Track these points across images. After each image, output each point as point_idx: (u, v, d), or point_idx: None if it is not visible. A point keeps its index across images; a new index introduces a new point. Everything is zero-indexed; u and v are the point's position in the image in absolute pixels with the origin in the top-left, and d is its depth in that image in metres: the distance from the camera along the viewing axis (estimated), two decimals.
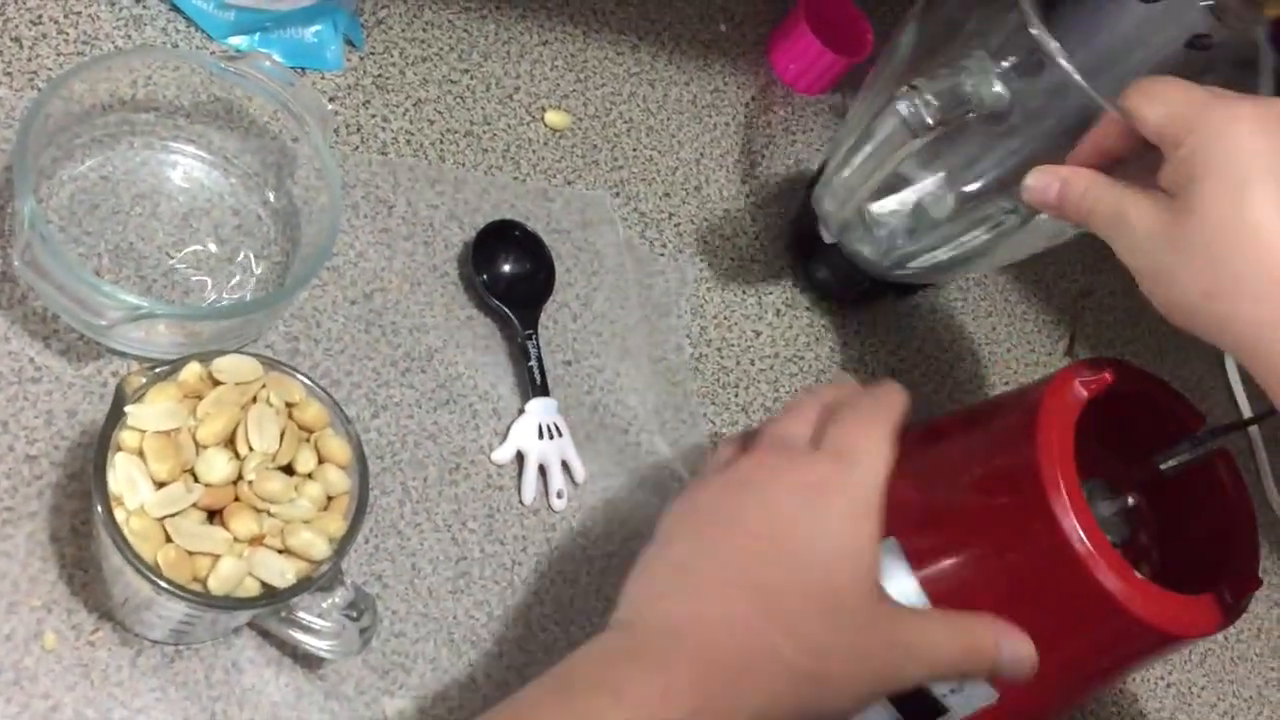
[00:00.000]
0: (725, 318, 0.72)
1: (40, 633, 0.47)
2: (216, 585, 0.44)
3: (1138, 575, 0.53)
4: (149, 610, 0.46)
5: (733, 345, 0.72)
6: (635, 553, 0.61)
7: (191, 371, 0.46)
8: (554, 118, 0.72)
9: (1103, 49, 0.62)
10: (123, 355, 0.53)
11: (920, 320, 0.80)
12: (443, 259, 0.64)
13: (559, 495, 0.61)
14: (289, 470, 0.47)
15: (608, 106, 0.75)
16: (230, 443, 0.46)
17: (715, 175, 0.77)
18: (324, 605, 0.48)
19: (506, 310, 0.63)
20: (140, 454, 0.44)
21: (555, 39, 0.75)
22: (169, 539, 0.43)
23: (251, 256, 0.59)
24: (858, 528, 0.42)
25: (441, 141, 0.67)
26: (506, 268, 0.64)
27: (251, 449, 0.46)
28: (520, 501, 0.60)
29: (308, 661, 0.52)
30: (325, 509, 0.47)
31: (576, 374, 0.65)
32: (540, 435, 0.61)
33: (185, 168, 0.59)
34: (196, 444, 0.45)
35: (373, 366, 0.60)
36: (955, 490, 0.58)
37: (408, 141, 0.66)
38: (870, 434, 0.44)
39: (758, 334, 0.73)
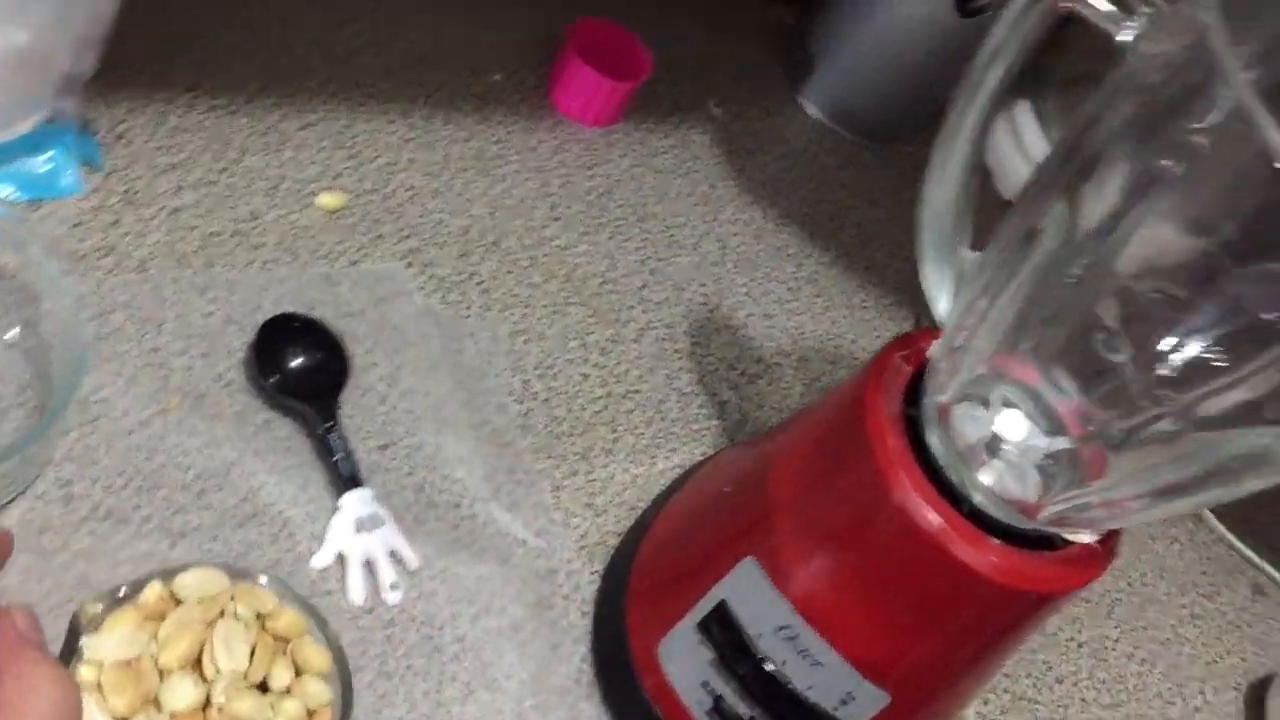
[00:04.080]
0: (548, 367, 0.69)
1: None
2: None
3: (994, 542, 0.50)
4: None
5: (560, 393, 0.68)
6: (489, 630, 0.58)
7: (152, 591, 0.43)
8: (327, 199, 0.68)
9: None
10: None
11: (757, 326, 0.78)
12: (225, 367, 0.60)
13: (392, 588, 0.57)
14: (264, 687, 0.43)
15: (385, 178, 0.72)
16: (196, 664, 0.42)
17: (512, 225, 0.74)
18: None
19: (302, 405, 0.59)
20: (99, 688, 0.40)
21: (318, 120, 0.72)
22: None
23: (4, 404, 0.54)
24: None
25: (205, 247, 0.63)
26: (294, 363, 0.60)
27: (219, 670, 0.42)
28: (351, 603, 0.56)
29: None
30: None
31: (394, 457, 0.61)
32: (359, 530, 0.57)
33: None
34: (159, 670, 0.41)
35: (163, 495, 0.55)
36: (797, 494, 0.55)
37: (169, 253, 0.62)
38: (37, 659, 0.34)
39: (585, 376, 0.70)
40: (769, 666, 0.54)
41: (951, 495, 0.50)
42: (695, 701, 0.56)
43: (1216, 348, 0.45)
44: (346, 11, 0.79)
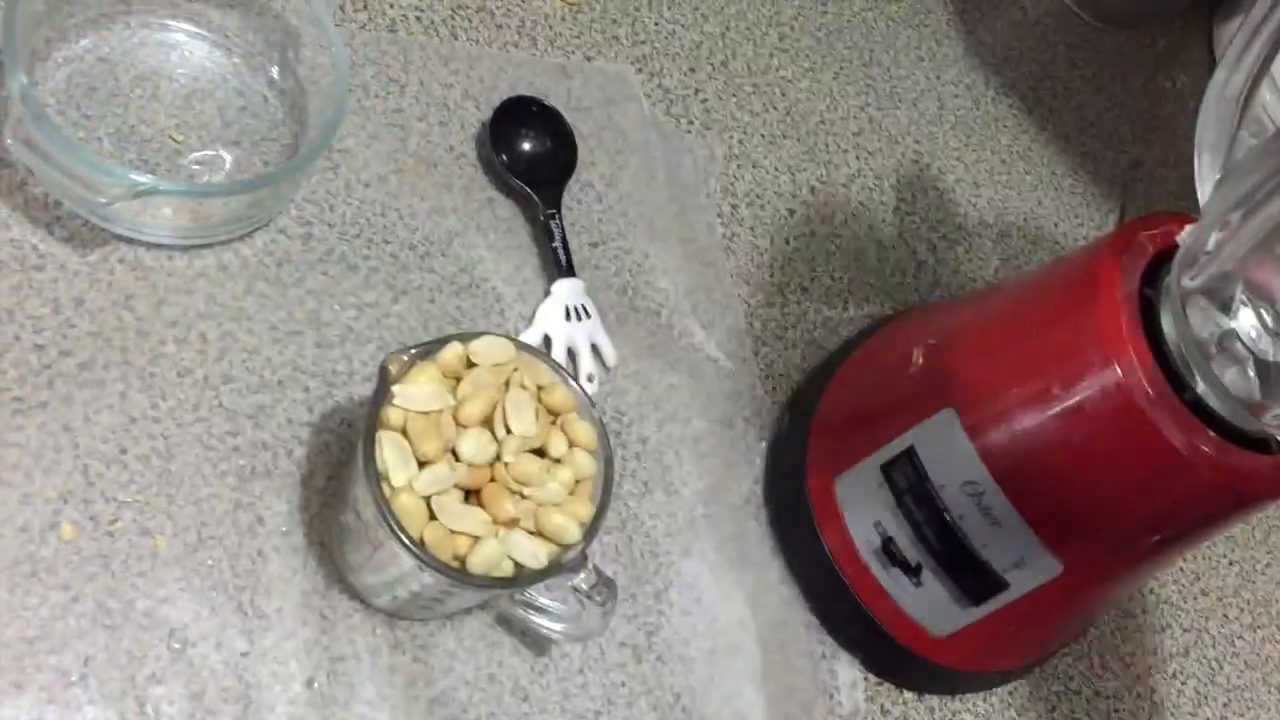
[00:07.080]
0: (757, 195, 0.69)
1: (56, 524, 0.45)
2: (478, 563, 0.43)
3: (1210, 432, 0.49)
4: (400, 583, 0.46)
5: (765, 224, 0.68)
6: (672, 437, 0.59)
7: (452, 351, 0.45)
8: None
9: None
10: (129, 241, 0.51)
11: (964, 193, 0.77)
12: (459, 139, 0.61)
13: (589, 379, 0.58)
14: (541, 453, 0.46)
15: None
16: (487, 423, 0.45)
17: (742, 48, 0.73)
18: (567, 586, 0.47)
19: (528, 189, 0.60)
20: (404, 432, 0.43)
21: None
22: (433, 517, 0.43)
23: (258, 137, 0.56)
24: None
25: (453, 18, 0.64)
26: (526, 146, 0.61)
27: (510, 431, 0.44)
28: None
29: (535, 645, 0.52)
30: (572, 493, 0.46)
31: (604, 255, 0.62)
32: (568, 317, 0.58)
33: (185, 48, 0.56)
34: (458, 423, 0.44)
35: (390, 251, 0.57)
36: (1012, 355, 0.55)
37: (417, 19, 0.63)
38: None
39: (791, 212, 0.70)
40: (948, 518, 0.55)
41: (1174, 381, 0.50)
42: (864, 538, 0.58)
43: None
44: None
